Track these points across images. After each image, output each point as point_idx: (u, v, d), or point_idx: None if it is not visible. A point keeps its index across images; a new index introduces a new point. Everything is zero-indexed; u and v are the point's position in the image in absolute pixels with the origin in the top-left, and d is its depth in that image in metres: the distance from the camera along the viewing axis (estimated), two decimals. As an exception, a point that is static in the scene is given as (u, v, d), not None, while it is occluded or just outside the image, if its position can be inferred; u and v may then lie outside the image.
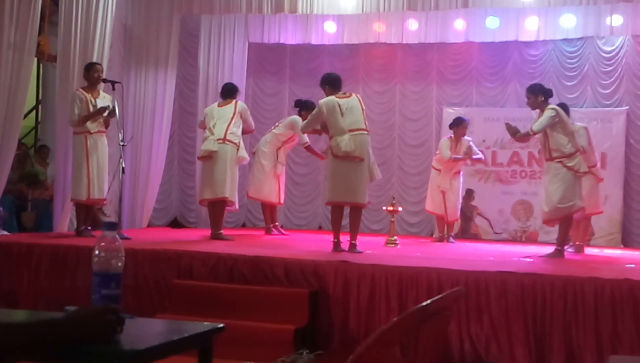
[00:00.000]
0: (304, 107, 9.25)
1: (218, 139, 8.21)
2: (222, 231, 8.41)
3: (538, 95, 7.62)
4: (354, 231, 7.26)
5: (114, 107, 7.90)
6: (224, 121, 8.30)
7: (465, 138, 9.51)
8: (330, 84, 7.48)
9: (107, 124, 8.09)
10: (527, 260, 7.23)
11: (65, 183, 8.85)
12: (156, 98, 10.40)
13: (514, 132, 7.75)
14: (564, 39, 10.67)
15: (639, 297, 5.38)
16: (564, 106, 8.02)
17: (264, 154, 9.51)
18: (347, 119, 7.20)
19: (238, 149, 8.34)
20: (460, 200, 9.57)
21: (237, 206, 8.74)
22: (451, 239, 9.56)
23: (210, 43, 11.03)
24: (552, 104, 7.64)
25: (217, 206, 8.39)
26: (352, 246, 7.17)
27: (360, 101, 7.39)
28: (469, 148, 9.36)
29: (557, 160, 7.40)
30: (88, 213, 8.18)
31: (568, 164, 7.36)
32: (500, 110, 11.17)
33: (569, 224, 7.57)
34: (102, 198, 8.13)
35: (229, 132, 8.24)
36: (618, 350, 5.29)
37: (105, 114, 7.91)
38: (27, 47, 8.38)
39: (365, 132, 7.26)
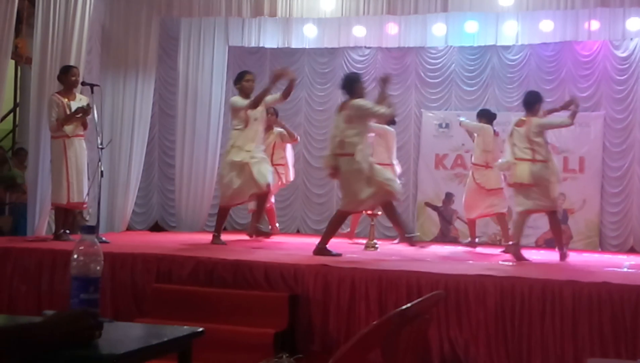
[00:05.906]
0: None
1: None
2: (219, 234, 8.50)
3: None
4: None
5: (88, 105, 7.84)
6: None
7: None
8: None
9: (84, 125, 8.01)
10: (506, 263, 7.26)
11: (41, 187, 8.78)
12: (135, 101, 10.34)
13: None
14: (542, 43, 10.74)
15: (616, 301, 5.42)
16: (487, 113, 9.12)
17: None
18: None
19: None
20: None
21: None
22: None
23: (190, 46, 10.99)
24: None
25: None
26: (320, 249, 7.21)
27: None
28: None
29: None
30: (67, 217, 8.13)
31: None
32: (480, 114, 11.19)
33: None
34: (82, 202, 8.06)
35: None
36: (596, 353, 5.33)
37: (79, 115, 7.84)
38: (3, 48, 8.30)
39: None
